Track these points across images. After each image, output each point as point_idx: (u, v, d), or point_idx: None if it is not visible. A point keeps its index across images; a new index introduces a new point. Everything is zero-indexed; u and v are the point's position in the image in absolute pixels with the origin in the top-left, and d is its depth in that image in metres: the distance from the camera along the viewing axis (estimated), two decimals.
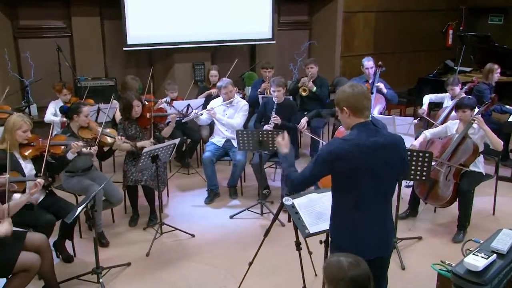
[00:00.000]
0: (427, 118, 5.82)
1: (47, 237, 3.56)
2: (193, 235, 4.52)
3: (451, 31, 10.02)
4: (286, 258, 3.96)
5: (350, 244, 2.24)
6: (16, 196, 3.44)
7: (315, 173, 2.52)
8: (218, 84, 5.46)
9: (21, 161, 3.75)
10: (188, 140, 6.19)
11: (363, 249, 2.35)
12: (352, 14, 8.89)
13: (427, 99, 6.19)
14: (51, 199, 3.96)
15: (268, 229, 3.48)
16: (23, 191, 3.53)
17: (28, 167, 3.77)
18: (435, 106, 6.82)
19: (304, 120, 5.36)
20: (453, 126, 4.65)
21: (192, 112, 5.41)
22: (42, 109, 6.19)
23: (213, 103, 5.49)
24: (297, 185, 2.63)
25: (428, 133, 4.74)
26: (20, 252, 3.16)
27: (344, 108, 2.46)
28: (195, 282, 3.82)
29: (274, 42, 8.09)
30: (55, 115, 5.61)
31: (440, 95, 6.18)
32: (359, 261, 1.99)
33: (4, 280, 3.20)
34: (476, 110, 4.58)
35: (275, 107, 5.22)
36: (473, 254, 2.56)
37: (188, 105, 5.65)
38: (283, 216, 4.52)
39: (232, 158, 5.33)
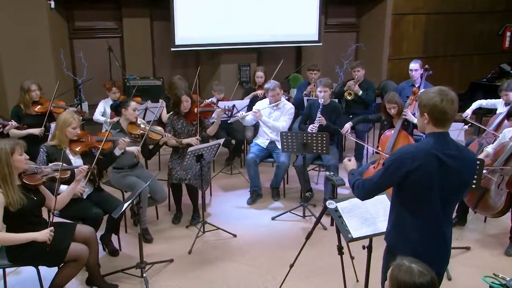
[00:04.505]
0: (471, 121, 5.59)
1: (95, 230, 3.68)
2: (234, 235, 4.54)
3: (508, 33, 9.58)
4: (328, 262, 3.92)
5: (409, 256, 2.16)
6: (63, 187, 3.59)
7: (384, 180, 2.43)
8: (266, 86, 5.46)
9: (71, 157, 3.88)
10: (233, 141, 6.24)
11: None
12: (401, 17, 8.69)
13: (476, 104, 5.95)
14: (99, 194, 4.08)
15: (310, 232, 3.45)
16: (70, 181, 3.65)
17: (77, 163, 3.89)
18: (488, 112, 6.55)
19: (348, 125, 5.24)
20: (508, 133, 4.44)
21: (238, 113, 5.44)
22: (93, 107, 6.43)
23: (259, 105, 5.50)
24: (365, 193, 2.54)
25: (490, 148, 4.51)
26: (70, 243, 3.29)
27: (425, 114, 2.36)
28: (235, 281, 3.84)
29: (320, 44, 8.02)
30: (103, 114, 5.81)
31: (492, 101, 5.93)
32: (429, 270, 1.99)
33: (55, 269, 3.35)
34: None
35: (320, 107, 5.18)
36: None
37: (234, 106, 5.69)
38: (325, 220, 4.47)
39: (276, 159, 5.32)
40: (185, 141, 4.73)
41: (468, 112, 5.85)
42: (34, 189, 3.25)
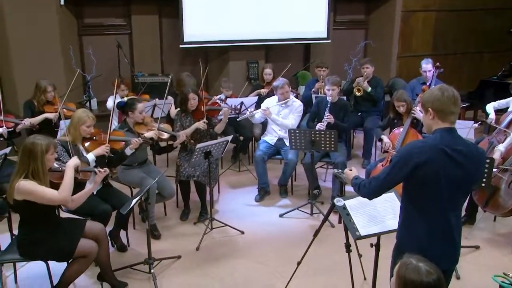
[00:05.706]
0: (496, 126, 5.46)
1: (104, 226, 3.69)
2: (242, 232, 4.55)
3: None
4: (335, 260, 3.92)
5: (417, 253, 2.15)
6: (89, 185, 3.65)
7: (392, 177, 2.41)
8: (274, 84, 5.44)
9: (84, 154, 3.92)
10: (241, 138, 6.24)
11: (430, 260, 2.24)
12: (411, 13, 8.62)
13: (490, 108, 5.79)
14: (108, 190, 4.11)
15: (317, 230, 3.45)
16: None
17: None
18: (498, 111, 6.47)
19: (386, 139, 4.84)
20: None
21: (247, 111, 5.43)
22: (102, 103, 6.45)
23: (268, 102, 5.49)
24: (372, 191, 2.52)
25: (502, 147, 4.46)
26: (80, 239, 3.32)
27: (430, 109, 2.37)
28: (243, 278, 3.84)
29: (329, 41, 7.99)
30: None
31: (503, 101, 5.83)
32: (436, 269, 1.98)
33: (65, 264, 3.37)
34: None
35: (329, 105, 5.16)
36: None
37: (242, 103, 5.69)
38: (333, 217, 4.46)
39: (284, 157, 5.31)
40: (193, 126, 4.77)
41: (492, 117, 5.58)
42: (56, 186, 3.27)
